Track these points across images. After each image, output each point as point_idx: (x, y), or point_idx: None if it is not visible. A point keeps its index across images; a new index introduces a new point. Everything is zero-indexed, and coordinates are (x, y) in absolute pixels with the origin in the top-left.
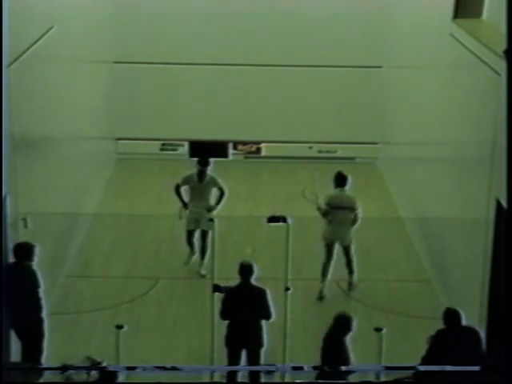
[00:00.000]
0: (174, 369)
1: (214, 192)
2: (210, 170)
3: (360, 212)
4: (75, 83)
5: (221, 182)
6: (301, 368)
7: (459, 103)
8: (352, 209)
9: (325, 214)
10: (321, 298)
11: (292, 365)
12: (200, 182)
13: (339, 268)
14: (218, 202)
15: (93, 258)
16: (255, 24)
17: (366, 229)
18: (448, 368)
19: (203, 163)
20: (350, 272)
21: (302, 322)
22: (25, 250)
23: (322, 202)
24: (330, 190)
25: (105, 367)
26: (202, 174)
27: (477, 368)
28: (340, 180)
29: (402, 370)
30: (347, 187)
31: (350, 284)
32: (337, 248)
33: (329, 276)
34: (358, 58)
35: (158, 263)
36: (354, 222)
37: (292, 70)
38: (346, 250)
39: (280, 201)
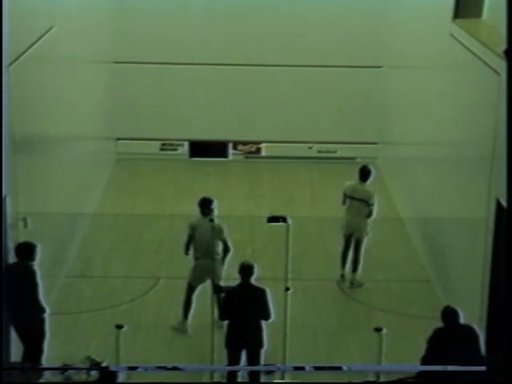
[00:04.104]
0: (174, 369)
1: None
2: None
3: (374, 206)
4: (75, 83)
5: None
6: (302, 368)
7: (459, 103)
8: (366, 202)
9: (343, 202)
10: (343, 280)
11: (294, 365)
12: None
13: (339, 268)
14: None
15: (93, 258)
16: (255, 24)
17: None
18: (450, 368)
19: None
20: (354, 270)
21: (302, 322)
22: (26, 250)
23: None
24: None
25: (106, 367)
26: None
27: (479, 368)
28: (361, 174)
29: (402, 370)
30: (368, 182)
31: (352, 283)
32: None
33: (348, 263)
34: (358, 58)
35: (158, 263)
36: (368, 215)
37: (292, 69)
38: (357, 245)
39: (280, 201)
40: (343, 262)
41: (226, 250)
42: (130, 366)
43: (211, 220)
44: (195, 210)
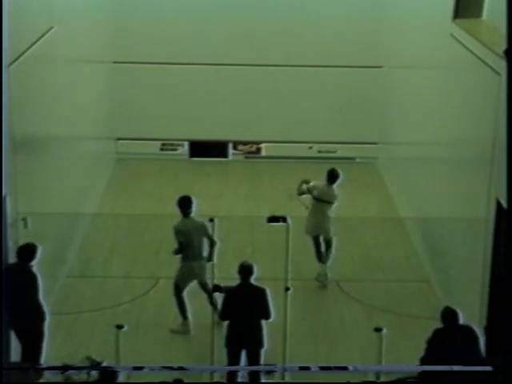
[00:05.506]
0: (180, 369)
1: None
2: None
3: (334, 206)
4: (75, 83)
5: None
6: (307, 368)
7: (459, 103)
8: (332, 203)
9: (301, 192)
10: (318, 280)
11: (298, 365)
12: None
13: (339, 268)
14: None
15: (93, 258)
16: (255, 24)
17: (366, 229)
18: (450, 368)
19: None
20: (325, 261)
21: (302, 322)
22: (27, 251)
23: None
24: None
25: (106, 367)
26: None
27: (484, 368)
28: (330, 176)
29: (401, 370)
30: (335, 185)
31: (319, 274)
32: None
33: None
34: (358, 58)
35: (158, 263)
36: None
37: (292, 69)
38: (329, 244)
39: (280, 201)
40: (320, 260)
41: (212, 244)
42: (133, 366)
43: (211, 220)
44: (195, 210)
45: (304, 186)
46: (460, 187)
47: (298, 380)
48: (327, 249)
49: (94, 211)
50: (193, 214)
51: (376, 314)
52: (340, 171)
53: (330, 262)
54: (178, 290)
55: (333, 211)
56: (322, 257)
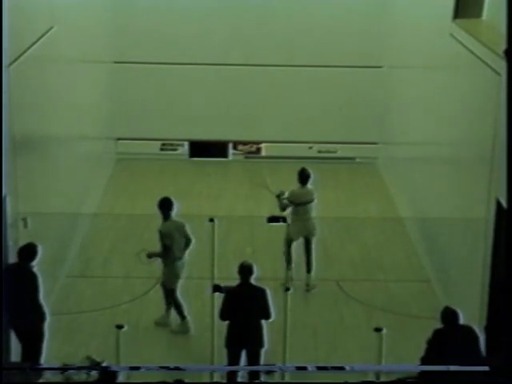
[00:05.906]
0: (176, 369)
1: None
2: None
3: (314, 204)
4: (75, 83)
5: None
6: (304, 368)
7: (459, 103)
8: (310, 203)
9: (284, 207)
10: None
11: (295, 365)
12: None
13: (339, 268)
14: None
15: (93, 258)
16: (255, 24)
17: (366, 229)
18: (452, 368)
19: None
20: (309, 271)
21: (302, 322)
22: (27, 251)
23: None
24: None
25: (106, 367)
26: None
27: (481, 368)
28: (301, 177)
29: (402, 370)
30: (309, 184)
31: (308, 285)
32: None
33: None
34: (358, 58)
35: (158, 263)
36: None
37: (292, 69)
38: (309, 244)
39: None
40: (290, 262)
41: (188, 243)
42: (131, 366)
43: (211, 220)
44: (195, 210)
45: (284, 201)
46: (460, 187)
47: (299, 380)
48: (308, 253)
49: (94, 211)
50: (173, 215)
51: (376, 314)
52: (310, 170)
53: (313, 270)
54: (171, 292)
55: (314, 210)
56: (291, 262)
